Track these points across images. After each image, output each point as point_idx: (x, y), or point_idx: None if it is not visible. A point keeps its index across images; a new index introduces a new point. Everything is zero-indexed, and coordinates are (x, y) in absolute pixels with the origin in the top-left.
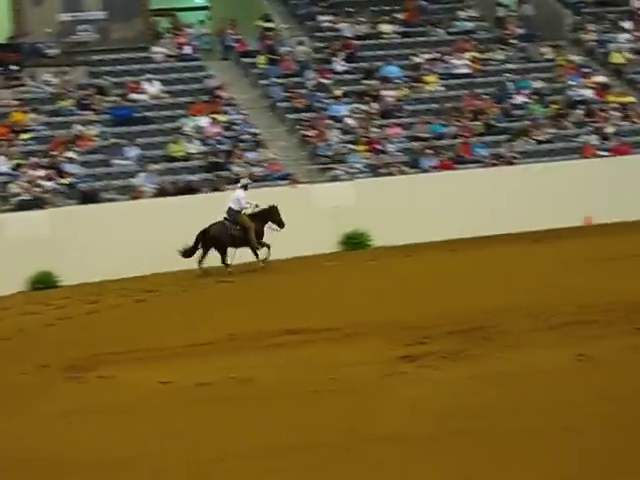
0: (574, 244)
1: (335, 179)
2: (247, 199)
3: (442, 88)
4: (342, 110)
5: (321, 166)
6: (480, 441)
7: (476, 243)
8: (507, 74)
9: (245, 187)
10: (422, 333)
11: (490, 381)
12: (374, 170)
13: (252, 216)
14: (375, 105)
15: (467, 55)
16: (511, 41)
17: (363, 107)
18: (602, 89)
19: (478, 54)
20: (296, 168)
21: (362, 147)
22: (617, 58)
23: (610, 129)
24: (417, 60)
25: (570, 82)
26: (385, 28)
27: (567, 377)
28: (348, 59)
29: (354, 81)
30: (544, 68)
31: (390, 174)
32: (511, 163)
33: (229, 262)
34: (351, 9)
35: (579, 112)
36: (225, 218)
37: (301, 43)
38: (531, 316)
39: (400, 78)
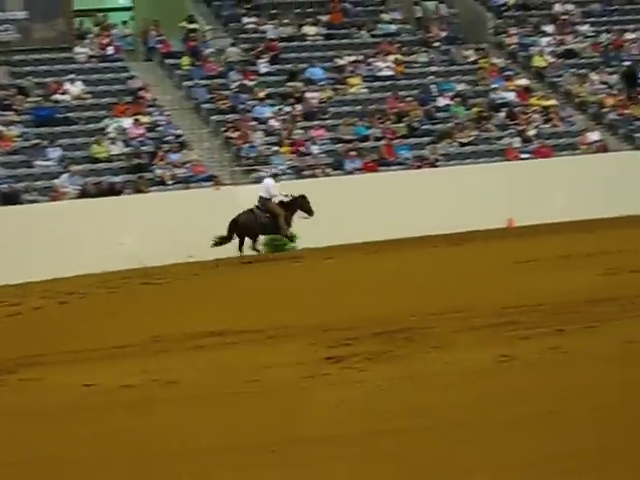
0: (497, 246)
1: (259, 181)
2: (275, 188)
3: (366, 90)
4: (266, 112)
5: (245, 168)
6: (404, 441)
7: (400, 245)
8: (430, 76)
9: (274, 177)
10: (346, 335)
11: (413, 381)
12: (298, 172)
13: (282, 204)
14: (299, 107)
15: (391, 57)
16: (434, 44)
17: (287, 109)
18: (524, 92)
19: (401, 56)
20: (220, 170)
21: (286, 149)
22: (539, 61)
23: (532, 132)
24: (341, 62)
25: (493, 85)
26: (309, 30)
27: (489, 377)
28: (272, 61)
29: (278, 83)
30: (467, 71)
31: (314, 176)
32: (434, 165)
33: (259, 249)
34: (275, 11)
35: (502, 115)
36: (255, 206)
37: (225, 44)
38: (454, 317)
39: (324, 80)
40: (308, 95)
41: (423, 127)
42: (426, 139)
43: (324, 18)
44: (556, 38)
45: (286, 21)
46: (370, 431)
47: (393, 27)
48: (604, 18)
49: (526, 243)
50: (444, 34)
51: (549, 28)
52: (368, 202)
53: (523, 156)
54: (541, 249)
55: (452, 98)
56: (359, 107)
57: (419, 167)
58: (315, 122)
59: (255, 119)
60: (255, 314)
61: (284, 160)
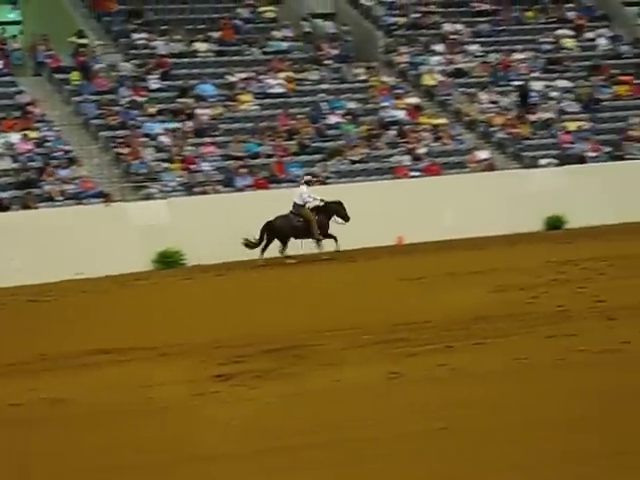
0: (386, 263)
1: (149, 197)
2: (310, 194)
3: (257, 107)
4: (156, 128)
5: (135, 184)
6: (296, 458)
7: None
8: (321, 94)
9: (308, 183)
10: (236, 352)
11: (304, 398)
12: (188, 189)
13: (317, 210)
14: (190, 123)
15: (282, 75)
16: (325, 61)
17: (177, 125)
18: (414, 110)
19: (293, 74)
20: (110, 186)
21: (176, 165)
22: (429, 80)
23: (422, 150)
24: (232, 79)
25: (383, 103)
26: (200, 46)
27: (378, 394)
28: (163, 77)
29: (169, 99)
30: (358, 89)
31: (204, 193)
32: (325, 183)
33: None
34: (166, 27)
35: (392, 133)
36: (291, 211)
37: (115, 60)
38: (344, 334)
39: (215, 97)
40: (199, 112)
41: (314, 145)
42: (317, 157)
43: (215, 35)
44: (446, 57)
45: (177, 37)
46: (261, 449)
47: (284, 44)
48: (493, 38)
49: (415, 260)
50: (335, 52)
51: (439, 47)
52: (259, 219)
53: (413, 174)
54: (430, 266)
55: (343, 116)
56: (250, 124)
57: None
58: (206, 139)
59: (145, 135)
60: (146, 331)
61: (174, 177)
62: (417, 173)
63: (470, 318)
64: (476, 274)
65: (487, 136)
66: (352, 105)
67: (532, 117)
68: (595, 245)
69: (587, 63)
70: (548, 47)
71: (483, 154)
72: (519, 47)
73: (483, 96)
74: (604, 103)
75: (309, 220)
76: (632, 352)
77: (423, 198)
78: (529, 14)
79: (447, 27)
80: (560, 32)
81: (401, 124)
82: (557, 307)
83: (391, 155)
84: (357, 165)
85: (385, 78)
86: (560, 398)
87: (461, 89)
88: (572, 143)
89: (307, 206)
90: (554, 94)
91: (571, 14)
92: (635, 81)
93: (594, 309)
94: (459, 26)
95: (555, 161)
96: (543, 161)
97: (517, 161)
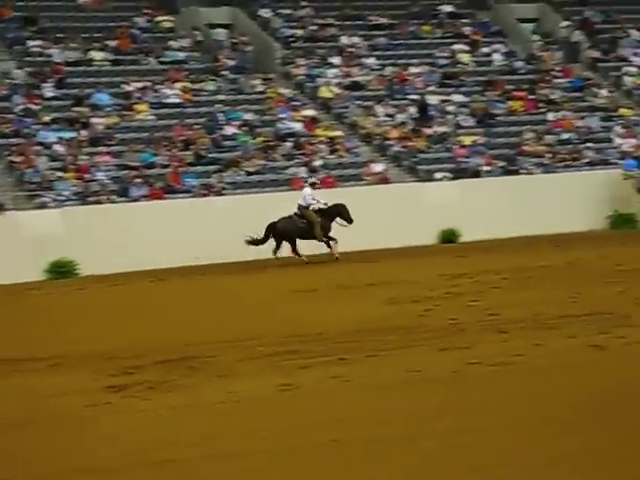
0: (279, 275)
1: (43, 206)
2: (314, 196)
3: (153, 117)
4: (51, 136)
5: (28, 193)
6: (185, 471)
7: (185, 273)
8: (218, 105)
9: (313, 185)
10: (129, 363)
11: (195, 411)
12: (83, 198)
13: (320, 212)
14: (85, 132)
15: (178, 85)
16: (223, 72)
17: (72, 134)
18: (311, 122)
19: (189, 84)
20: (2, 195)
21: (71, 174)
22: (325, 92)
23: (318, 162)
24: (128, 88)
25: (280, 115)
26: (96, 55)
27: (272, 406)
28: (58, 85)
29: (63, 107)
30: (254, 100)
31: (99, 202)
32: (221, 194)
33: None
34: (61, 35)
35: (288, 145)
36: (295, 213)
37: (9, 67)
38: (237, 346)
39: (110, 106)
40: (94, 121)
41: (210, 155)
42: (213, 167)
43: (111, 43)
44: (343, 70)
45: (73, 45)
46: (154, 461)
47: (181, 55)
48: (389, 52)
49: (309, 272)
50: (232, 63)
51: (336, 60)
52: (154, 229)
53: None
54: (325, 279)
55: (239, 127)
56: (146, 134)
57: (205, 195)
58: (101, 148)
59: (39, 144)
60: (36, 342)
61: (69, 186)
62: None
63: (363, 330)
64: (370, 287)
65: (383, 149)
66: (249, 116)
67: (428, 131)
68: (489, 259)
69: (482, 78)
70: (444, 62)
71: (378, 167)
72: (415, 61)
73: (379, 109)
74: (499, 118)
75: (312, 222)
76: (525, 364)
77: None
78: (425, 28)
79: (344, 40)
80: (456, 47)
81: (297, 136)
82: (450, 320)
83: (287, 167)
84: (253, 176)
85: (282, 90)
86: (454, 410)
87: (357, 102)
88: (467, 157)
89: (311, 208)
90: (450, 108)
91: (467, 29)
92: (529, 97)
93: (487, 322)
94: (356, 39)
95: (450, 175)
96: (438, 175)
97: (412, 174)
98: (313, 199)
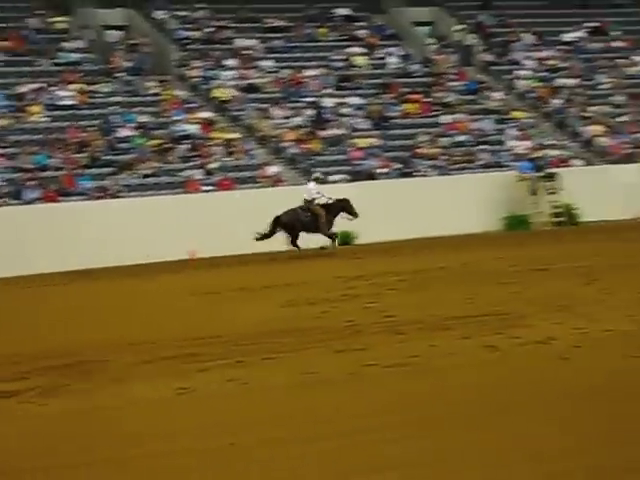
0: (178, 278)
1: None
2: (318, 190)
3: (47, 119)
4: None
5: None
6: (78, 477)
7: (84, 276)
8: (113, 107)
9: (317, 180)
10: (21, 368)
11: (90, 415)
12: None
13: (325, 206)
14: None
15: (73, 86)
16: (118, 74)
17: None
18: (207, 125)
19: (84, 86)
20: None
21: None
22: (221, 95)
23: (214, 164)
24: (21, 90)
25: (175, 117)
26: None
27: (167, 410)
28: None
29: None
30: (150, 102)
31: None
32: (116, 196)
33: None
34: None
35: (184, 147)
36: (300, 206)
37: None
38: (133, 350)
39: (4, 107)
40: None
41: (105, 157)
42: (108, 170)
43: (4, 44)
44: (239, 72)
45: None
46: (46, 466)
47: (75, 56)
48: (285, 54)
49: (207, 275)
50: (127, 65)
51: (232, 62)
52: (47, 232)
53: (205, 188)
54: (222, 281)
55: (135, 129)
56: (39, 136)
57: (100, 198)
58: None
59: None
60: None
61: None
62: (209, 187)
63: (260, 333)
64: (268, 289)
65: (279, 151)
66: (144, 118)
67: (323, 133)
68: (385, 261)
69: (378, 81)
70: (340, 64)
71: (274, 169)
72: (311, 64)
73: (275, 111)
74: (394, 120)
75: (317, 215)
76: (421, 365)
77: (215, 212)
78: (321, 31)
79: (240, 42)
80: (351, 50)
81: (193, 138)
82: (346, 322)
83: (183, 169)
84: (148, 179)
85: (178, 92)
86: (351, 411)
87: (254, 104)
88: (363, 159)
89: (315, 202)
90: (345, 111)
91: (362, 32)
92: (424, 99)
93: (383, 324)
94: (252, 41)
95: (346, 177)
96: (334, 177)
97: (308, 177)
98: (317, 193)
